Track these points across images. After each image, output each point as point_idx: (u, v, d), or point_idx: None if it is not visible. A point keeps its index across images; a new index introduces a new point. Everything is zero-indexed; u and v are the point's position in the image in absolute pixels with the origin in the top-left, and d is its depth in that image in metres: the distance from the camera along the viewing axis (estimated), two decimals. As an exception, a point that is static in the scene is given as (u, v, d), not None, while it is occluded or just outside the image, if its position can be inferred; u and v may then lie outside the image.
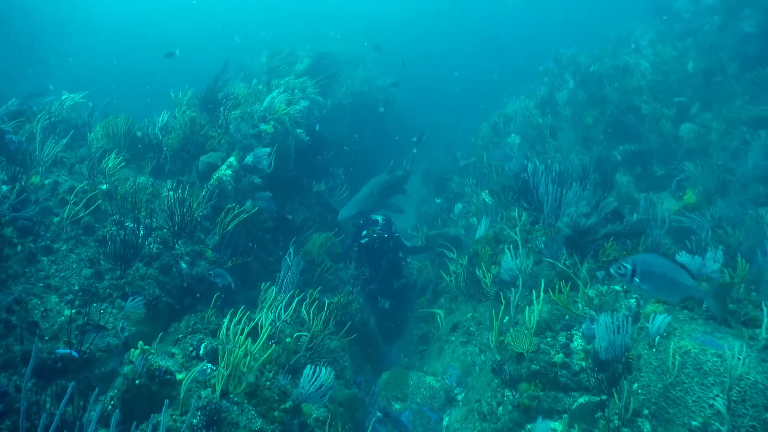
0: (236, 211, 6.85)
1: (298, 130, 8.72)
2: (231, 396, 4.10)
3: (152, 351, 4.24)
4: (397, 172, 10.27)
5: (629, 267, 4.02)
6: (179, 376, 4.18)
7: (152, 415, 4.00)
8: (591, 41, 17.93)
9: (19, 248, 5.47)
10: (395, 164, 10.32)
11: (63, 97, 8.60)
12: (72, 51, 23.62)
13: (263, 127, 8.20)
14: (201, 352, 4.56)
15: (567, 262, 6.43)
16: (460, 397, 6.28)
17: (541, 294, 5.54)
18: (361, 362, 7.42)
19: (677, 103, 11.43)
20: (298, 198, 9.00)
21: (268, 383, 4.40)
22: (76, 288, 5.41)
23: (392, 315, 9.39)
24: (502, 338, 5.71)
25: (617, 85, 12.58)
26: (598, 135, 12.06)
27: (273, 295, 5.74)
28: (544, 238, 6.58)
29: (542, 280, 5.70)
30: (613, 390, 4.77)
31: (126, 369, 4.14)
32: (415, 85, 20.70)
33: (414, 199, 14.61)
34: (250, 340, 4.03)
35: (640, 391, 4.57)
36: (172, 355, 4.49)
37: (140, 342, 4.16)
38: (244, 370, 3.95)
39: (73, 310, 5.09)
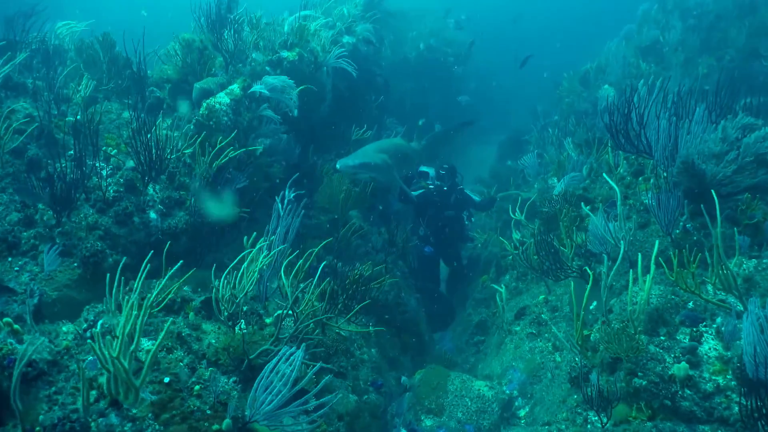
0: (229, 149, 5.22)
1: (330, 59, 6.88)
2: (125, 407, 2.49)
3: (16, 326, 2.68)
4: (413, 143, 7.96)
5: None
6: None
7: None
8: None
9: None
10: (408, 133, 8.39)
11: (60, 24, 7.30)
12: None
13: (285, 54, 6.51)
14: (97, 330, 2.97)
15: (688, 226, 4.40)
16: (522, 413, 4.43)
17: (652, 269, 3.56)
18: (396, 354, 5.69)
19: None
20: (333, 146, 7.28)
21: (197, 387, 2.75)
22: (-8, 237, 4.00)
23: (444, 295, 7.57)
24: (587, 333, 3.85)
25: (740, 26, 10.07)
26: (714, 86, 9.75)
27: (259, 254, 4.08)
28: (653, 192, 4.55)
29: (654, 250, 3.71)
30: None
31: (-30, 354, 2.62)
32: (492, 43, 18.56)
33: (487, 168, 12.78)
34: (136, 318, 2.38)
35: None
36: (56, 335, 2.93)
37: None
38: (122, 369, 2.29)
39: (-27, 266, 3.68)
